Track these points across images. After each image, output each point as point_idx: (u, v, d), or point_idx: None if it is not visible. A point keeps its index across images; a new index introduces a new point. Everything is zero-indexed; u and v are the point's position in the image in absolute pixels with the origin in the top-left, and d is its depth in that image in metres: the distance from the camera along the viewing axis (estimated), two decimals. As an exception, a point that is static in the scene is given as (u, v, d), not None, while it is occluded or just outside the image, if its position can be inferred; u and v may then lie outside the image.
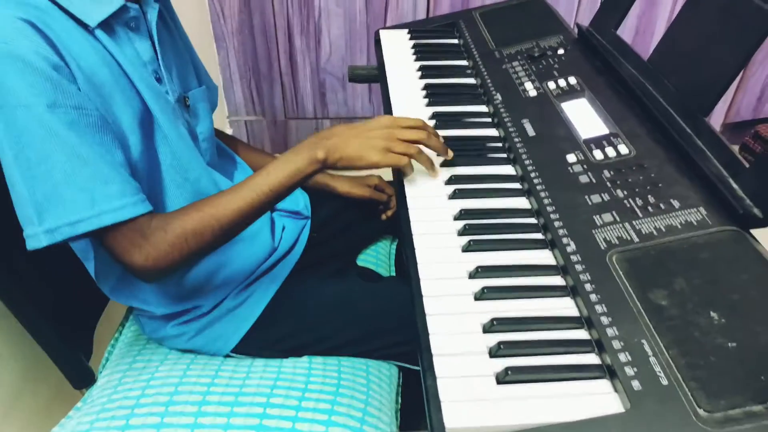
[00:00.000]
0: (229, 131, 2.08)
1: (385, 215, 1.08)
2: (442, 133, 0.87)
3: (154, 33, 0.73)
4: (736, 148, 2.08)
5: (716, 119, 2.05)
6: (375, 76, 1.20)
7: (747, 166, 0.66)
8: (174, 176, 0.75)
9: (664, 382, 0.51)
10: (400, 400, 0.87)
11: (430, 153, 0.79)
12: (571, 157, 0.77)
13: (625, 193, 0.69)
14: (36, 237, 0.62)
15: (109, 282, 0.80)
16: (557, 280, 0.64)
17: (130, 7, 0.70)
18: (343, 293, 0.88)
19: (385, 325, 0.86)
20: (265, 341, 0.85)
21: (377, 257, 1.08)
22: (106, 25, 0.67)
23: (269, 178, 0.71)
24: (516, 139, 0.83)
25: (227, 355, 0.86)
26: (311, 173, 0.72)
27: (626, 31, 1.90)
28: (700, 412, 0.48)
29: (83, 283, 0.82)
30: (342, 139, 0.72)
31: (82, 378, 0.86)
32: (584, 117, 0.83)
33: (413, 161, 0.76)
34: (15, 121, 0.59)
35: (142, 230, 0.65)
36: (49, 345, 0.82)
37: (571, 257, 0.64)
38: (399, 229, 0.75)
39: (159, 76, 0.74)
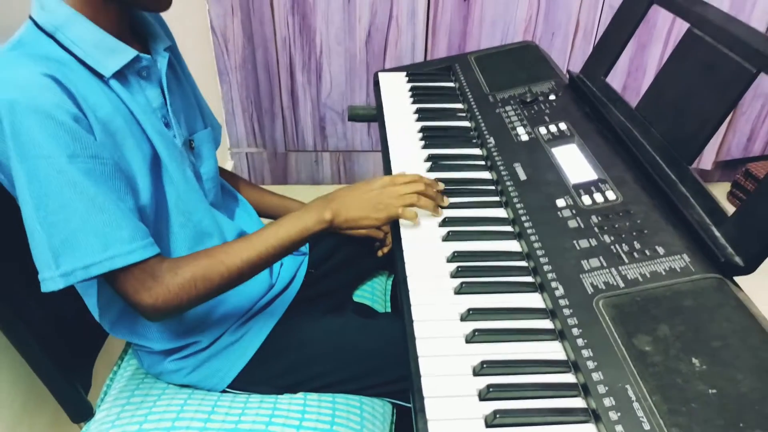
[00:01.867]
0: (230, 162, 2.12)
1: (381, 252, 1.11)
2: (437, 175, 0.91)
3: (164, 81, 0.77)
4: (727, 186, 2.13)
5: (707, 158, 2.09)
6: (373, 116, 1.24)
7: (729, 215, 0.68)
8: (178, 217, 0.78)
9: (647, 427, 0.52)
10: (393, 438, 0.88)
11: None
12: (560, 202, 0.79)
13: (612, 238, 0.72)
14: (53, 280, 0.64)
15: (109, 317, 0.82)
16: (546, 324, 0.66)
17: (142, 58, 0.73)
18: (340, 330, 0.90)
19: (380, 363, 0.88)
20: (261, 377, 0.86)
21: (373, 293, 1.10)
22: (120, 74, 0.71)
23: (279, 232, 0.76)
24: (508, 183, 0.86)
25: (224, 391, 0.87)
26: (318, 231, 0.78)
27: (618, 74, 1.95)
28: (681, 458, 0.50)
29: (83, 317, 0.83)
30: (345, 202, 0.79)
31: (81, 412, 0.87)
32: (574, 162, 0.86)
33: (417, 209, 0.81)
34: (37, 172, 0.62)
35: (153, 272, 0.68)
36: (48, 378, 0.83)
37: (560, 301, 0.66)
38: (394, 269, 0.78)
39: (167, 121, 0.78)
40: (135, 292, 0.67)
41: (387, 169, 0.95)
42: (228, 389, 0.87)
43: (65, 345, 0.86)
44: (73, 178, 0.63)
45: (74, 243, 0.63)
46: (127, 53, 0.71)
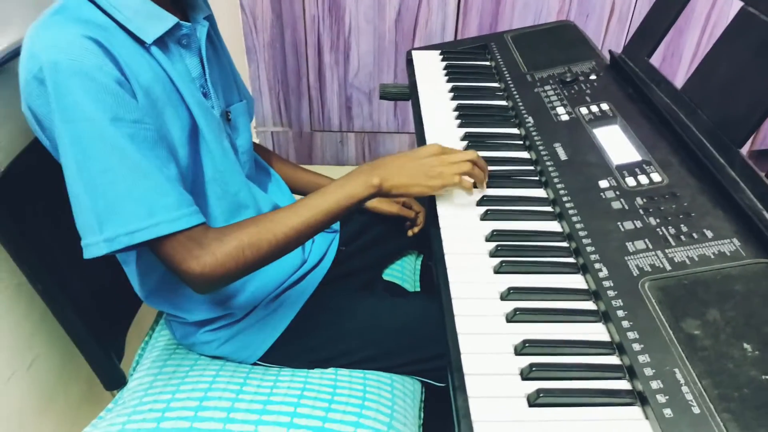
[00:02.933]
0: (255, 141, 2.12)
1: (412, 231, 1.10)
2: (474, 154, 0.89)
3: (203, 50, 0.76)
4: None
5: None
6: (406, 94, 1.22)
7: (781, 199, 0.66)
8: (215, 188, 0.77)
9: (696, 411, 0.51)
10: (422, 416, 0.88)
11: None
12: (603, 183, 0.78)
13: (658, 221, 0.70)
14: (97, 245, 0.64)
15: (148, 287, 0.82)
16: (589, 305, 0.65)
17: (182, 25, 0.72)
18: (371, 308, 0.90)
19: (411, 341, 0.87)
20: (293, 351, 0.87)
21: (403, 273, 1.09)
22: (161, 41, 0.70)
23: (327, 200, 0.73)
24: (548, 163, 0.84)
25: (255, 364, 0.88)
26: (365, 198, 0.75)
27: (652, 59, 1.90)
28: (733, 443, 0.48)
29: (118, 286, 0.84)
30: (395, 167, 0.76)
31: (114, 380, 0.88)
32: (616, 143, 0.84)
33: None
34: (80, 135, 0.62)
35: (199, 240, 0.67)
36: (84, 346, 0.84)
37: (603, 283, 0.65)
38: (430, 247, 0.77)
39: (205, 91, 0.77)
40: (183, 260, 0.65)
41: (421, 148, 0.94)
42: (259, 362, 0.88)
43: (100, 313, 0.87)
44: (117, 142, 0.62)
45: (119, 208, 0.63)
46: (168, 20, 0.70)
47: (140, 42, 0.68)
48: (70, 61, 0.60)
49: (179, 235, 0.65)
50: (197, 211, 0.67)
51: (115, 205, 0.63)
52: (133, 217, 0.63)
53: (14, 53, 0.75)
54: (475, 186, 0.81)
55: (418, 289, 1.09)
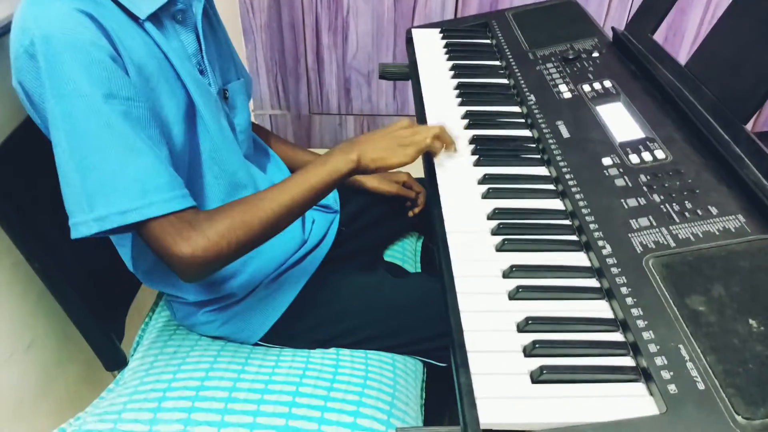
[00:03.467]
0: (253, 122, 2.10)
1: (412, 212, 1.09)
2: (475, 132, 0.89)
3: (199, 26, 0.74)
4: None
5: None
6: (406, 74, 1.20)
7: (787, 175, 0.65)
8: (212, 167, 0.76)
9: (701, 387, 0.51)
10: (424, 396, 0.88)
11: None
12: (606, 161, 0.77)
13: (662, 197, 0.69)
14: (86, 224, 0.62)
15: (143, 267, 0.82)
16: (592, 282, 0.65)
17: (178, 1, 0.71)
18: (372, 287, 0.89)
19: (412, 320, 0.87)
20: (294, 331, 0.86)
21: (404, 253, 1.09)
22: (155, 17, 0.68)
23: (310, 176, 0.74)
24: (550, 141, 0.83)
25: (256, 344, 0.88)
26: (347, 173, 0.76)
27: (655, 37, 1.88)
28: (738, 418, 0.48)
29: (117, 267, 0.83)
30: (371, 142, 0.78)
31: (114, 360, 0.88)
32: (620, 121, 0.83)
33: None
34: (72, 110, 0.60)
35: (191, 221, 0.65)
36: (84, 326, 0.84)
37: (607, 260, 0.64)
38: (431, 226, 0.76)
39: (202, 69, 0.76)
40: (173, 243, 0.63)
41: (422, 127, 0.93)
42: (260, 342, 0.87)
43: (100, 293, 0.86)
44: (110, 120, 0.61)
45: (110, 187, 0.61)
46: None
47: (134, 17, 0.67)
48: (62, 35, 0.59)
49: (171, 216, 0.64)
50: (188, 194, 0.66)
51: (107, 183, 0.61)
52: (126, 196, 0.61)
53: (6, 29, 0.74)
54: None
55: (419, 270, 1.09)
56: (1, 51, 0.76)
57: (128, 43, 0.65)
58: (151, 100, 0.67)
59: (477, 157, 0.83)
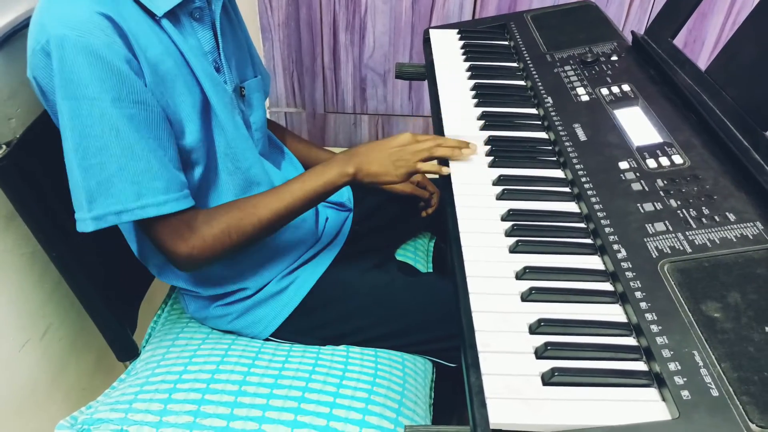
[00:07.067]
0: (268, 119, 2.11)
1: (426, 212, 1.09)
2: (490, 133, 0.88)
3: (218, 24, 0.75)
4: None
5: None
6: (422, 74, 1.20)
7: (808, 183, 0.64)
8: (227, 164, 0.77)
9: (715, 393, 0.50)
10: (433, 395, 0.88)
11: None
12: (623, 165, 0.76)
13: (679, 203, 0.69)
14: (84, 221, 0.66)
15: (155, 262, 0.83)
16: (606, 286, 0.64)
17: (195, -1, 0.72)
18: (384, 286, 0.89)
19: (423, 320, 0.87)
20: (305, 327, 0.87)
21: (416, 253, 1.09)
22: (173, 15, 0.69)
23: (305, 185, 0.76)
24: (567, 143, 0.83)
25: (266, 339, 0.88)
26: (341, 185, 0.78)
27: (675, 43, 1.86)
28: (753, 426, 0.48)
29: (132, 259, 0.84)
30: (368, 158, 0.78)
31: (127, 351, 0.88)
32: (637, 125, 0.83)
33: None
34: (80, 112, 0.62)
35: (189, 223, 0.69)
36: (98, 315, 0.84)
37: (622, 264, 0.63)
38: (445, 226, 0.76)
39: (218, 66, 0.76)
40: (172, 241, 0.69)
41: (437, 127, 0.92)
42: (271, 338, 0.88)
43: (114, 283, 0.87)
44: (115, 123, 0.62)
45: (108, 188, 0.64)
46: None
47: (151, 15, 0.67)
48: (77, 37, 0.60)
49: (171, 218, 0.68)
50: (187, 195, 0.69)
51: (106, 184, 0.64)
52: (122, 197, 0.64)
53: (24, 24, 0.75)
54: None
55: (431, 270, 1.09)
56: (22, 42, 0.77)
57: (144, 41, 0.66)
58: (165, 98, 0.68)
59: (492, 158, 0.83)
